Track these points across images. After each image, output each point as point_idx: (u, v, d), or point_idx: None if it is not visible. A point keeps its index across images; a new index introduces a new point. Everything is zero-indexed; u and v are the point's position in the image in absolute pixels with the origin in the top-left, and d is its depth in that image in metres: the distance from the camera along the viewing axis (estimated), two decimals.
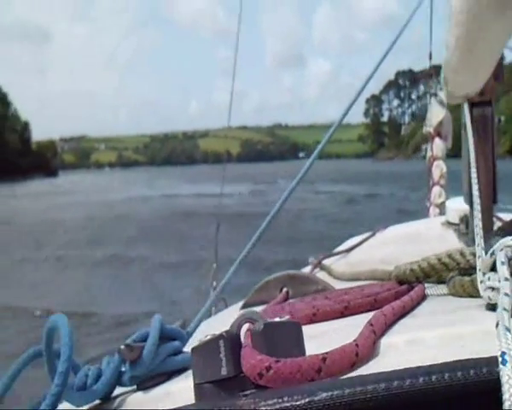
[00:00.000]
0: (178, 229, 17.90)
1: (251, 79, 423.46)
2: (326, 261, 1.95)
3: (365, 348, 0.60)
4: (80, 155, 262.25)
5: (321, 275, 1.70)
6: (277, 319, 0.59)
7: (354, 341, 0.59)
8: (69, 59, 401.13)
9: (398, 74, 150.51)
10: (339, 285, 1.41)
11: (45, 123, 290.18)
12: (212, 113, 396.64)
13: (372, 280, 1.42)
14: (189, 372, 0.68)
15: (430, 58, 3.20)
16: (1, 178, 72.55)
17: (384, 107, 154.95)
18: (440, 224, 1.80)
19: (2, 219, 23.46)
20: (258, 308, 1.12)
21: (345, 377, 0.50)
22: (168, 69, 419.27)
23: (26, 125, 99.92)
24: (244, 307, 1.41)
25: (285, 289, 1.30)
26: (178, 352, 0.81)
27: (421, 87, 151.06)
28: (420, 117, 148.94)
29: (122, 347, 0.72)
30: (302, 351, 0.58)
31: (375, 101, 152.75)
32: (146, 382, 0.76)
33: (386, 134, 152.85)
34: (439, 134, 2.83)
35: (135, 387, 0.77)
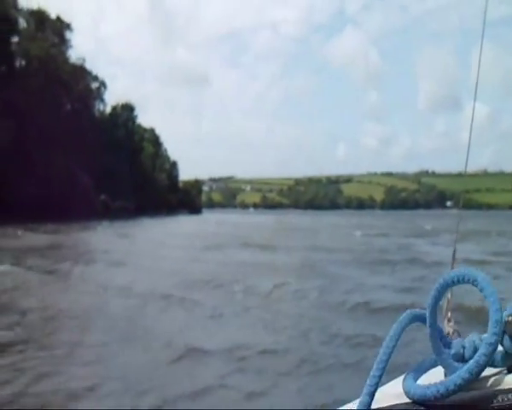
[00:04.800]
0: None
1: (402, 123, 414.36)
2: None
3: None
4: (227, 194, 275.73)
5: None
6: None
7: None
8: (223, 103, 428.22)
9: None
10: None
11: (197, 162, 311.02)
12: (359, 157, 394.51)
13: None
14: None
15: None
16: (149, 212, 79.06)
17: None
18: None
19: None
20: None
21: None
22: (317, 112, 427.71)
23: (174, 165, 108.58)
24: None
25: None
26: None
27: None
28: None
29: (510, 318, 0.63)
30: None
31: None
32: None
33: None
34: None
35: (505, 369, 0.67)
